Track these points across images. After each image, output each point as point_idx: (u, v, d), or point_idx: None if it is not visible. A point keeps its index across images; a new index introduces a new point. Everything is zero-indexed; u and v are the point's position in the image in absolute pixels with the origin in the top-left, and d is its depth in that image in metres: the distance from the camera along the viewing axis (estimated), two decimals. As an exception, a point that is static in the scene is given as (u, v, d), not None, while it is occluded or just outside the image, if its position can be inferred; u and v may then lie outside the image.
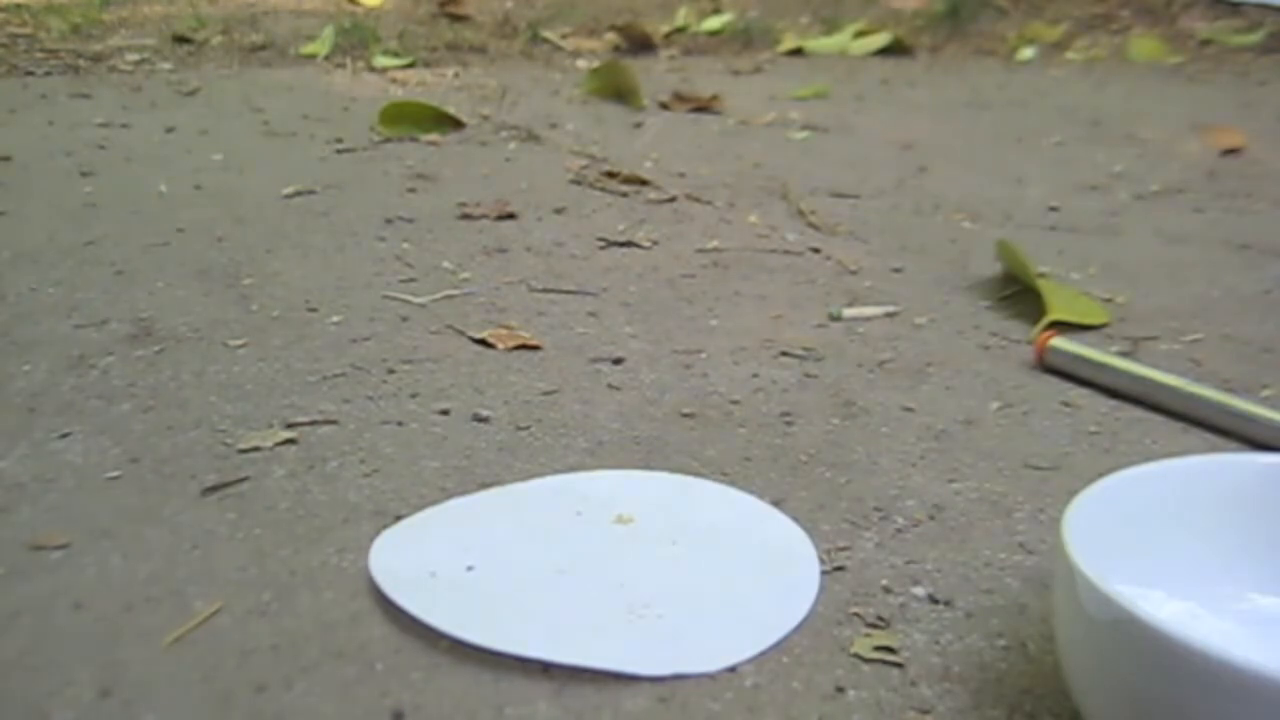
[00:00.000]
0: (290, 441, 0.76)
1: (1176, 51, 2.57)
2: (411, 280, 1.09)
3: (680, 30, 2.85)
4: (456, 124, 1.76)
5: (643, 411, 0.82)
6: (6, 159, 1.55)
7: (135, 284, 1.07)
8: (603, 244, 1.21)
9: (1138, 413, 0.82)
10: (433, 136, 1.70)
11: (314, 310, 1.01)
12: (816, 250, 1.19)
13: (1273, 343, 0.95)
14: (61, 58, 2.38)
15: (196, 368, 0.88)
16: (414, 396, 0.84)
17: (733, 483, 0.71)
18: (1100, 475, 0.53)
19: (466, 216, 1.29)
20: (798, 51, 2.62)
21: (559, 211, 1.33)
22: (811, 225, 1.28)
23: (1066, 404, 0.84)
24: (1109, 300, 1.04)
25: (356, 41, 2.58)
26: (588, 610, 0.58)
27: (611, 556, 0.63)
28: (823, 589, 0.60)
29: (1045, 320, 0.96)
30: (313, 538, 0.65)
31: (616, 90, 2.02)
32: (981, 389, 0.86)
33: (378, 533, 0.65)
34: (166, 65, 2.34)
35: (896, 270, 1.13)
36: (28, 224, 1.26)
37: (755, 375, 0.88)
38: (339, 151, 1.62)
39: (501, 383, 0.86)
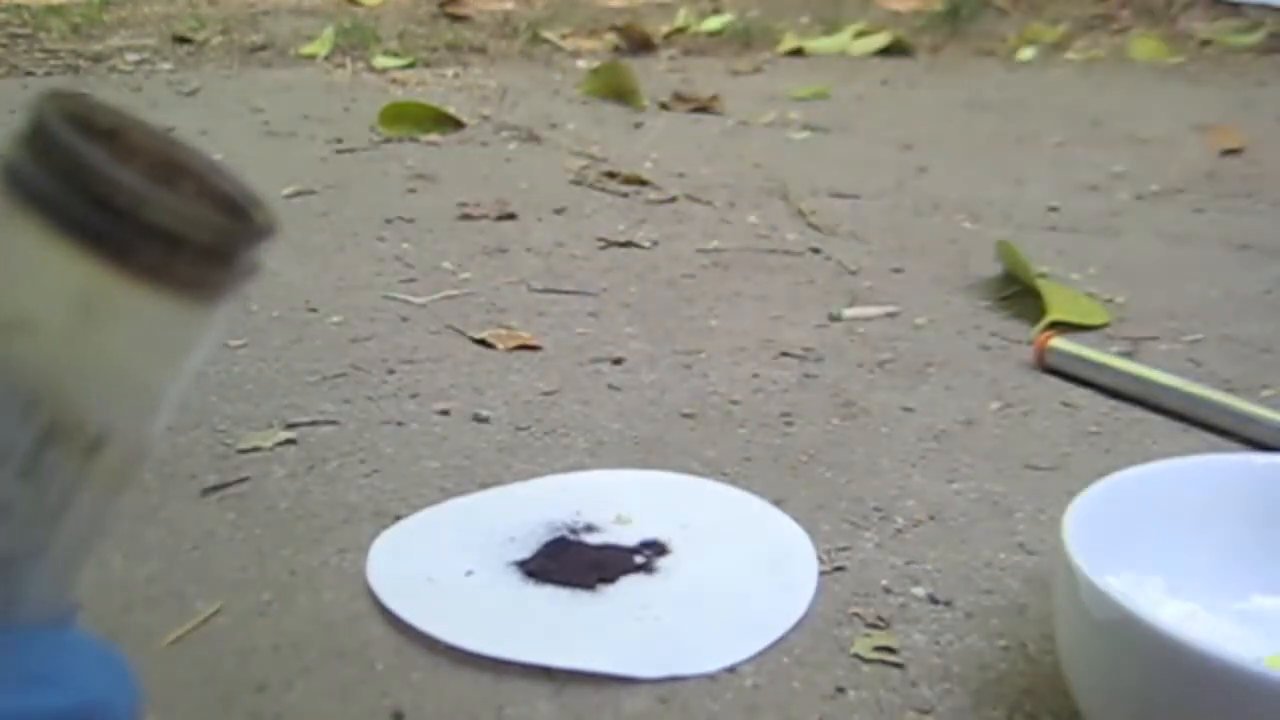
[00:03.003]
0: (290, 442, 0.76)
1: (1176, 51, 2.57)
2: (411, 280, 1.09)
3: (680, 30, 2.85)
4: (456, 124, 1.76)
5: (643, 411, 0.82)
6: (6, 159, 1.55)
7: (135, 284, 1.07)
8: (603, 244, 1.21)
9: (1138, 413, 0.82)
10: (433, 136, 1.70)
11: (314, 310, 1.01)
12: (816, 250, 1.19)
13: (1273, 343, 0.95)
14: (61, 58, 2.38)
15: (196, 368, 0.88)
16: (414, 397, 0.84)
17: (733, 483, 0.71)
18: (1100, 475, 0.53)
19: (466, 217, 1.29)
20: (798, 52, 2.61)
21: (559, 211, 1.33)
22: (811, 225, 1.28)
23: (1066, 404, 0.84)
24: (1109, 300, 1.04)
25: (356, 41, 2.58)
26: (587, 612, 0.58)
27: (611, 557, 0.63)
28: (822, 589, 0.60)
29: (1045, 320, 0.96)
30: (313, 538, 0.65)
31: (616, 90, 2.02)
32: (981, 389, 0.86)
33: (378, 533, 0.65)
34: (166, 65, 2.34)
35: (896, 270, 1.13)
36: (28, 224, 1.26)
37: (755, 375, 0.88)
38: (339, 151, 1.62)
39: (501, 383, 0.86)
